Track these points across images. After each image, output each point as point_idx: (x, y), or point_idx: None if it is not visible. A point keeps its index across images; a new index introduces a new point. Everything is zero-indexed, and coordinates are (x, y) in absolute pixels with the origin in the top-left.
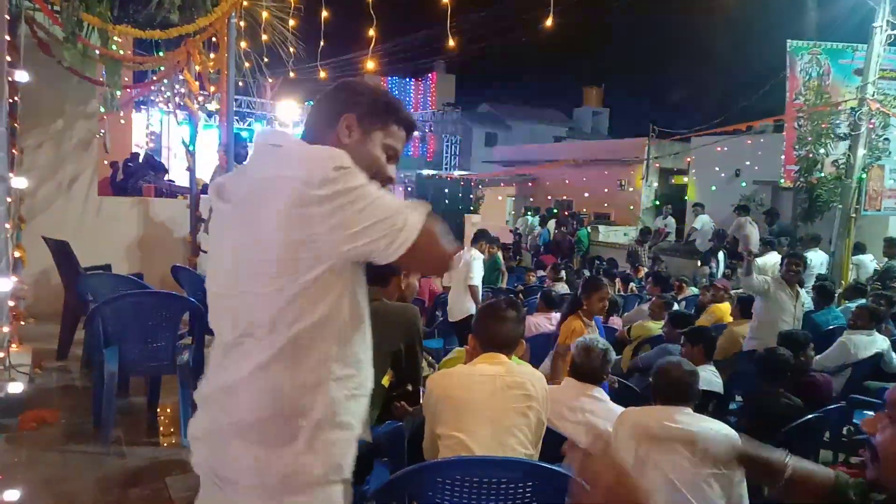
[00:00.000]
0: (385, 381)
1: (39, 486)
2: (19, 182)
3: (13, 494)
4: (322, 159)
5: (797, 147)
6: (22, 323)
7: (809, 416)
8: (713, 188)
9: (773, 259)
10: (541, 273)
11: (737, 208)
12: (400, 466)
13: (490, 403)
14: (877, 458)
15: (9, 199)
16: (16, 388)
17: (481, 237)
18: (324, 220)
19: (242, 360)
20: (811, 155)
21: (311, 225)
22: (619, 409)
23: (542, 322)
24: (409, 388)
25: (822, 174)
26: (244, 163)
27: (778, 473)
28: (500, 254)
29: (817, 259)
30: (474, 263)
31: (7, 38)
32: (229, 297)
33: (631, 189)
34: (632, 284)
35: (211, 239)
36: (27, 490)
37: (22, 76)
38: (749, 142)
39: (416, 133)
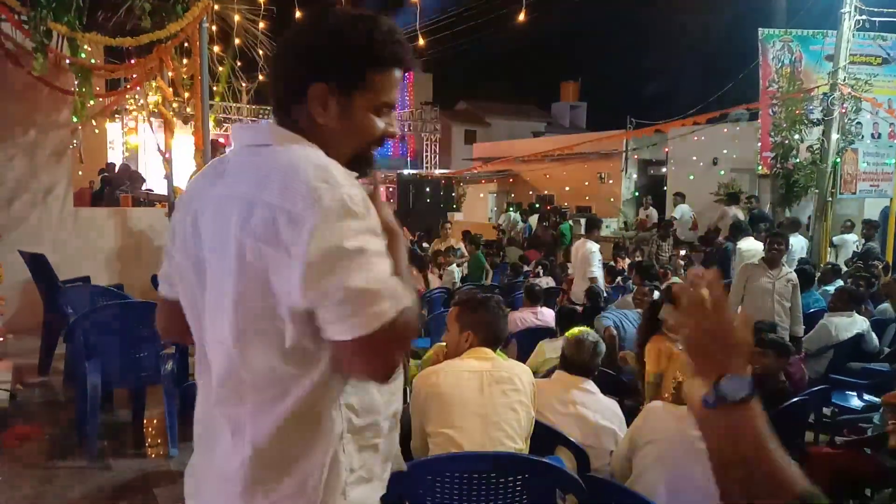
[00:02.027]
0: None
1: (24, 502)
2: None
3: None
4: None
5: (773, 134)
6: (1, 339)
7: (794, 399)
8: (691, 177)
9: (750, 245)
10: (526, 269)
11: (727, 196)
12: None
13: (479, 399)
14: None
15: None
16: None
17: (466, 237)
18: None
19: None
20: (786, 141)
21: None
22: (610, 401)
23: (528, 317)
24: None
25: (798, 160)
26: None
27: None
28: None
29: (798, 244)
30: (592, 256)
31: None
32: None
33: (611, 181)
34: (618, 278)
35: None
36: None
37: None
38: (725, 130)
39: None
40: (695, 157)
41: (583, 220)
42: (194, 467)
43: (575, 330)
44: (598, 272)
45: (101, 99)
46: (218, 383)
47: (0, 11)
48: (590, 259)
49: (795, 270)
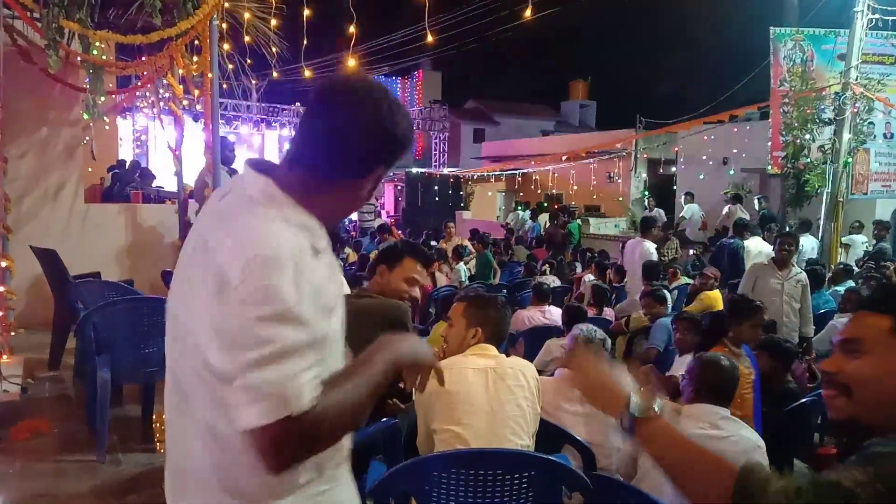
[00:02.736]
0: None
1: (34, 496)
2: None
3: None
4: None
5: (784, 133)
6: (12, 333)
7: (802, 400)
8: (701, 177)
9: (757, 244)
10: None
11: (731, 196)
12: (397, 463)
13: (484, 396)
14: (849, 392)
15: None
16: (10, 398)
17: (474, 236)
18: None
19: None
20: (798, 141)
21: None
22: None
23: (536, 315)
24: (402, 385)
25: (809, 160)
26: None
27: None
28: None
29: (808, 244)
30: (651, 257)
31: None
32: None
33: (620, 180)
34: (626, 279)
35: None
36: (22, 500)
37: None
38: (735, 130)
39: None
40: (705, 157)
41: (591, 220)
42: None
43: (583, 326)
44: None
45: (112, 96)
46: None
47: (13, 9)
48: (647, 257)
49: (805, 271)
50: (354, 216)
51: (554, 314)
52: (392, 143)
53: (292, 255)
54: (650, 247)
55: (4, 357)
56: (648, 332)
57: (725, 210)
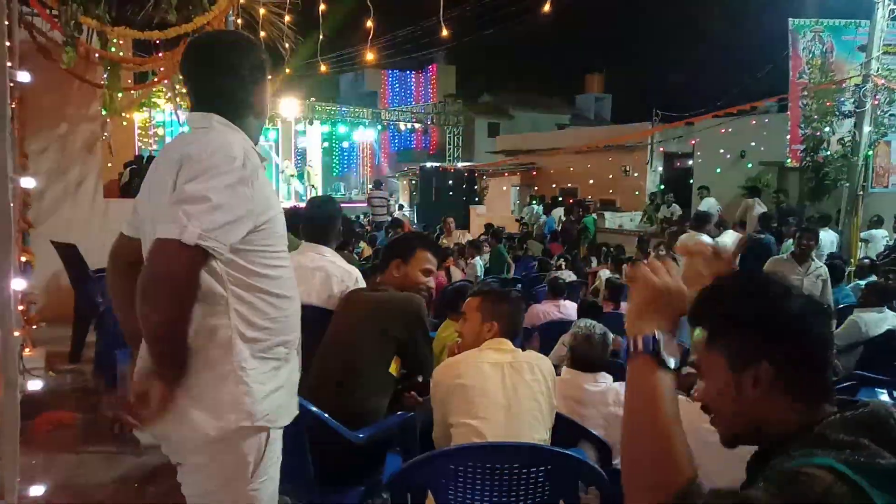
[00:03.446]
0: (393, 369)
1: (57, 487)
2: (27, 182)
3: (32, 495)
4: None
5: (803, 126)
6: (34, 326)
7: None
8: (718, 170)
9: (730, 238)
10: (552, 262)
11: (748, 189)
12: (413, 456)
13: (501, 390)
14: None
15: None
16: (34, 384)
17: (488, 230)
18: None
19: None
20: (817, 133)
21: None
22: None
23: (551, 310)
24: (420, 378)
25: (829, 152)
26: None
27: None
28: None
29: (827, 238)
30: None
31: (7, 43)
32: None
33: (636, 174)
34: None
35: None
36: (46, 491)
37: (24, 76)
38: (753, 122)
39: (418, 125)
40: (722, 150)
41: (606, 214)
42: None
43: (581, 323)
44: None
45: (129, 92)
46: None
47: (32, 6)
48: None
49: (826, 265)
50: (368, 210)
51: (569, 309)
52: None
53: (243, 150)
54: (706, 240)
55: (27, 350)
56: None
57: (743, 205)
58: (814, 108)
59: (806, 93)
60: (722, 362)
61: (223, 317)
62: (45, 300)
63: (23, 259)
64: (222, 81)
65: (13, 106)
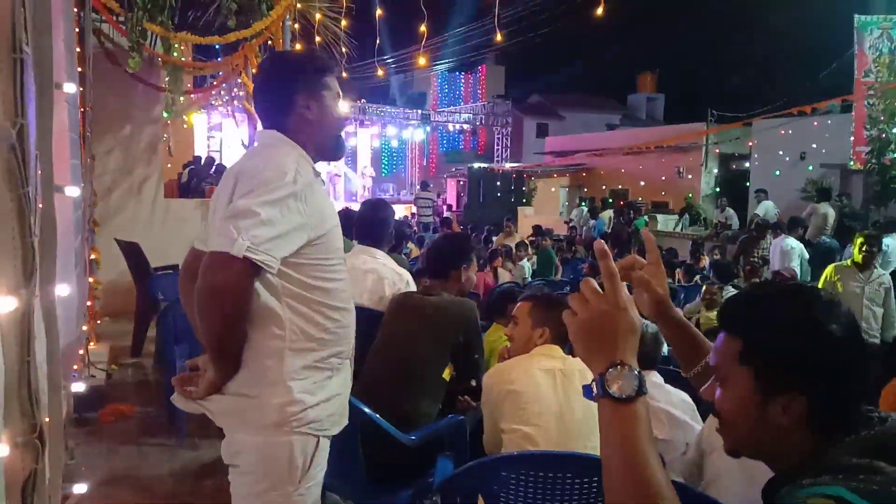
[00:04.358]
0: (446, 374)
1: (118, 476)
2: (71, 191)
3: (95, 483)
4: None
5: (868, 127)
6: (98, 322)
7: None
8: (777, 173)
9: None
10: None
11: (817, 191)
12: (463, 460)
13: (553, 397)
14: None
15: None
16: (78, 386)
17: (536, 231)
18: None
19: None
20: (884, 135)
21: None
22: (680, 392)
23: None
24: (473, 383)
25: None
26: None
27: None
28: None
29: (893, 245)
30: (792, 252)
31: (77, 49)
32: None
33: (689, 176)
34: (696, 276)
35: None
36: (107, 479)
37: (69, 87)
38: (815, 123)
39: (466, 126)
40: (781, 152)
41: (658, 216)
42: None
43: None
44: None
45: (189, 94)
46: None
47: (101, 13)
48: (790, 255)
49: (892, 273)
50: (415, 209)
51: None
52: (297, 71)
53: (296, 165)
54: (791, 243)
55: (92, 344)
56: (716, 332)
57: (809, 208)
58: (881, 108)
59: (872, 92)
60: (750, 379)
61: (278, 328)
62: (109, 296)
63: (91, 257)
64: (279, 99)
65: (83, 110)
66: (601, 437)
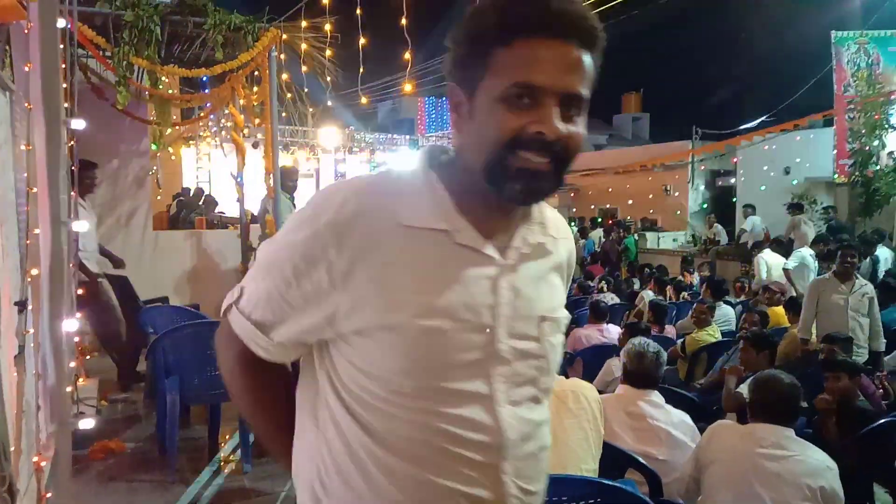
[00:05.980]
0: None
1: None
2: (80, 226)
3: None
4: None
5: (850, 140)
6: (87, 357)
7: (881, 421)
8: (762, 188)
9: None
10: (591, 285)
11: (789, 206)
12: None
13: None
14: None
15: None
16: (86, 423)
17: None
18: None
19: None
20: (866, 148)
21: None
22: (680, 413)
23: (594, 334)
24: None
25: (879, 167)
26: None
27: None
28: None
29: (883, 255)
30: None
31: (64, 85)
32: None
33: (677, 194)
34: (684, 293)
35: None
36: None
37: (79, 124)
38: (798, 138)
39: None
40: (765, 167)
41: (647, 234)
42: None
43: (635, 340)
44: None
45: (177, 127)
46: None
47: (87, 48)
48: (770, 271)
49: (880, 283)
50: None
51: (612, 332)
52: (453, 42)
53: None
54: (767, 259)
55: (80, 380)
56: (708, 350)
57: (790, 222)
58: (861, 121)
59: (853, 106)
60: None
61: (310, 418)
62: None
63: (79, 292)
64: None
65: (72, 144)
66: None
